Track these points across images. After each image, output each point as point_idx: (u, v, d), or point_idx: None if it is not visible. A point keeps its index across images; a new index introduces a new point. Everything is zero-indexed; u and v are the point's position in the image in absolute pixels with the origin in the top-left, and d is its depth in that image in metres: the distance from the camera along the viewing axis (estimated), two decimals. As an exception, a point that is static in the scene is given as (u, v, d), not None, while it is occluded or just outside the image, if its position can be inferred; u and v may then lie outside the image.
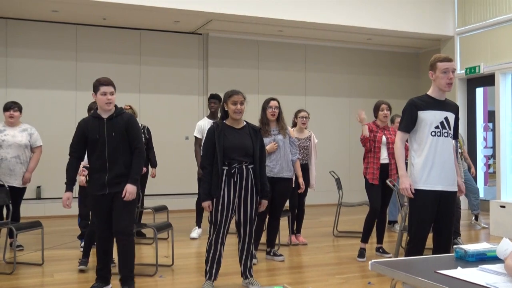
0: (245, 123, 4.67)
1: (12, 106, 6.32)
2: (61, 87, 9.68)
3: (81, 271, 5.33)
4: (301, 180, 6.18)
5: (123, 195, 4.29)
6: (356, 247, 6.11)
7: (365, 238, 5.96)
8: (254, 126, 4.71)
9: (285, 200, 5.97)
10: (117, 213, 4.35)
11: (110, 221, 4.39)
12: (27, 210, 8.30)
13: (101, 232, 4.46)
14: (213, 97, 7.46)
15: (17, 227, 5.59)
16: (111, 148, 4.34)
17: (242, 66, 10.95)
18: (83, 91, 9.50)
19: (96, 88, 4.38)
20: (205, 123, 7.30)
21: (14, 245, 5.70)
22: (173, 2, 8.81)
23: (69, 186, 4.39)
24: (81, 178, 5.67)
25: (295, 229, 6.92)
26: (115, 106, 4.46)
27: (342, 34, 10.86)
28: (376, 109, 6.07)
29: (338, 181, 7.61)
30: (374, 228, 6.06)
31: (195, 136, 7.28)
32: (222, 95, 4.81)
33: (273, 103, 5.80)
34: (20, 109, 6.43)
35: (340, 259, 6.04)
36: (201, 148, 7.13)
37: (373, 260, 2.60)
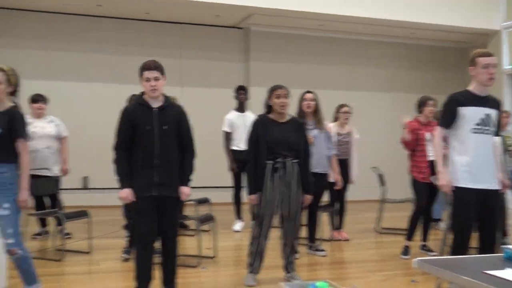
0: (289, 117, 4.65)
1: (40, 99, 6.49)
2: (107, 80, 9.88)
3: (126, 259, 5.44)
4: (337, 177, 6.12)
5: (182, 199, 3.95)
6: (399, 244, 6.04)
7: (409, 236, 5.87)
8: (299, 120, 4.69)
9: (320, 195, 5.91)
10: (169, 217, 3.93)
11: (155, 225, 3.90)
12: (74, 199, 8.51)
13: (144, 236, 3.87)
14: (241, 89, 7.47)
15: (65, 216, 5.74)
16: (161, 143, 3.80)
17: (283, 60, 10.93)
18: (127, 84, 9.66)
19: (141, 73, 3.86)
20: (234, 116, 7.33)
21: (62, 233, 5.86)
22: (215, -4, 8.87)
23: (126, 182, 3.82)
24: None
25: (337, 224, 6.88)
26: (164, 95, 3.94)
27: (384, 28, 10.72)
28: (422, 104, 5.90)
29: (381, 177, 7.52)
30: (419, 226, 5.97)
31: (223, 131, 7.31)
32: (262, 89, 4.81)
33: (308, 95, 5.77)
34: (46, 101, 6.59)
35: (383, 256, 5.98)
36: (229, 141, 7.29)
37: (418, 258, 2.56)
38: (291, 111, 5.40)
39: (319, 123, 5.72)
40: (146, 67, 3.83)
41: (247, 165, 4.59)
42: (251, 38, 10.76)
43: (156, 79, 3.81)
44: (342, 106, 6.82)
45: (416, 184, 5.80)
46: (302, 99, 5.77)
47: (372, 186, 8.66)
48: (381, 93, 11.64)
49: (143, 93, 3.91)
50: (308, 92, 5.82)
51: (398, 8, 9.83)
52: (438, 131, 4.21)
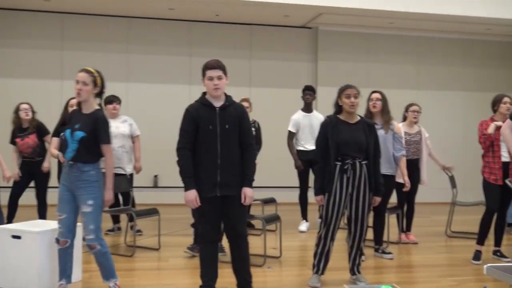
0: (359, 118, 4.60)
1: (114, 100, 6.72)
2: (177, 81, 10.16)
3: (192, 256, 5.58)
4: (406, 178, 5.97)
5: (242, 201, 3.85)
6: (471, 249, 5.84)
7: (480, 240, 5.66)
8: (369, 121, 4.63)
9: (386, 197, 5.79)
10: (233, 216, 3.90)
11: (218, 225, 3.98)
12: (145, 197, 8.84)
13: (209, 236, 3.92)
14: (308, 89, 7.42)
15: (136, 214, 5.97)
16: (223, 142, 3.79)
17: (352, 59, 10.82)
18: (197, 85, 9.91)
19: (203, 73, 3.89)
20: (300, 117, 7.31)
21: (134, 229, 6.09)
22: (288, -4, 8.91)
23: (191, 184, 3.78)
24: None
25: (405, 227, 6.74)
26: (225, 94, 3.93)
27: (458, 25, 10.37)
28: (497, 102, 5.61)
29: (452, 179, 7.29)
30: (492, 230, 5.75)
31: (288, 130, 7.31)
32: (330, 89, 4.78)
33: (374, 95, 5.71)
34: (120, 102, 6.82)
35: (453, 261, 5.80)
36: (293, 141, 7.29)
37: (489, 264, 2.48)
38: (361, 111, 5.37)
39: (386, 123, 5.63)
40: (209, 66, 3.85)
41: (316, 166, 4.59)
42: (319, 38, 10.72)
43: (219, 78, 3.82)
44: (410, 105, 6.69)
45: (488, 186, 5.58)
46: (368, 99, 5.71)
47: (443, 188, 8.43)
48: (452, 92, 11.26)
49: (205, 93, 3.94)
50: (375, 92, 5.75)
51: (472, 2, 9.48)
52: (508, 123, 3.99)
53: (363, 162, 4.47)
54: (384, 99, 5.70)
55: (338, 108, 4.60)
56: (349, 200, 4.49)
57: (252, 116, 7.29)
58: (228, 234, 3.96)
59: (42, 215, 6.44)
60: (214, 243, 3.97)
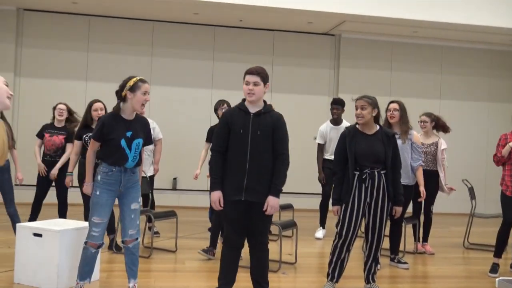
0: (378, 127, 4.61)
1: None
2: (199, 86, 10.27)
3: (209, 259, 5.64)
4: (422, 189, 5.92)
5: (264, 209, 3.80)
6: (488, 261, 5.79)
7: (497, 253, 5.62)
8: (387, 132, 4.62)
9: (404, 207, 5.76)
10: (257, 223, 3.88)
11: (244, 230, 3.91)
12: (163, 199, 8.92)
13: (232, 241, 3.91)
14: (336, 103, 7.35)
15: (155, 215, 6.05)
16: (253, 147, 3.79)
17: (374, 67, 10.80)
18: (219, 89, 10.03)
19: (243, 78, 3.90)
20: (328, 128, 7.30)
21: (152, 231, 6.17)
22: (308, 3, 8.95)
23: (218, 185, 3.82)
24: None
25: (422, 237, 6.71)
26: (264, 102, 3.92)
27: (482, 35, 10.29)
28: None
29: (471, 190, 7.24)
30: (510, 243, 5.70)
31: (317, 142, 7.33)
32: (352, 97, 4.78)
33: (391, 105, 5.72)
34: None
35: (470, 273, 5.76)
36: (322, 153, 7.29)
37: (501, 278, 2.47)
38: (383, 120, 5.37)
39: (404, 133, 5.63)
40: (248, 71, 3.89)
41: (334, 177, 4.61)
42: (342, 45, 10.73)
43: (255, 84, 3.82)
44: (421, 115, 6.69)
45: (504, 199, 5.54)
46: (386, 109, 5.73)
47: (463, 199, 8.36)
48: (475, 102, 11.17)
49: (244, 99, 3.95)
50: (393, 102, 5.75)
51: (496, 13, 9.41)
52: None
53: (382, 172, 4.48)
54: (402, 109, 5.70)
55: None
56: (367, 209, 4.50)
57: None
58: (249, 240, 3.96)
59: (63, 214, 6.51)
60: (238, 249, 3.96)
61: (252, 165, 3.78)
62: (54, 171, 6.43)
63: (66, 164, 6.38)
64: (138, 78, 4.09)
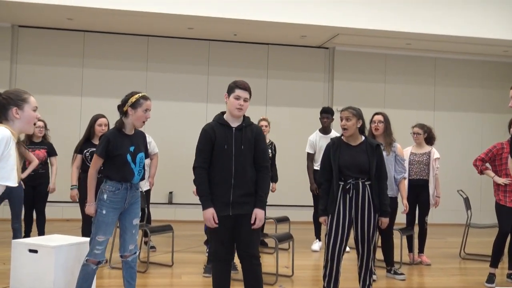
0: (363, 138, 4.63)
1: None
2: (194, 100, 10.31)
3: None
4: (405, 202, 5.91)
5: (252, 222, 3.80)
6: (485, 272, 5.79)
7: (494, 263, 5.62)
8: (372, 142, 4.64)
9: (391, 218, 5.74)
10: (246, 236, 3.85)
11: (231, 244, 3.90)
12: (159, 213, 8.90)
13: (221, 255, 3.89)
14: (325, 112, 7.39)
15: (151, 230, 6.04)
16: (238, 162, 3.79)
17: (368, 80, 10.87)
18: (214, 103, 10.06)
19: (231, 90, 3.87)
20: (317, 138, 7.33)
21: (148, 245, 6.16)
22: (302, 17, 9.02)
23: (209, 202, 3.77)
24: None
25: (418, 248, 6.71)
26: (244, 115, 3.93)
27: (475, 47, 10.38)
28: None
29: (466, 201, 7.27)
30: (506, 253, 5.71)
31: (307, 152, 7.35)
32: (337, 108, 4.80)
33: (376, 117, 5.74)
34: None
35: (467, 283, 5.76)
36: (312, 163, 7.28)
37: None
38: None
39: (388, 145, 5.65)
40: (240, 86, 3.87)
41: (320, 187, 4.64)
42: (336, 58, 10.80)
43: (245, 100, 3.84)
44: (413, 126, 6.72)
45: (499, 208, 5.57)
46: (371, 121, 5.75)
47: (458, 209, 8.38)
48: (469, 113, 11.24)
49: (223, 113, 3.96)
50: (377, 114, 5.78)
51: (488, 24, 9.50)
52: None
53: (367, 183, 4.49)
54: (386, 121, 5.73)
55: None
56: (354, 221, 4.50)
57: (268, 135, 7.37)
58: (240, 254, 3.92)
59: (41, 227, 6.57)
60: (227, 262, 3.93)
61: (237, 179, 3.78)
62: (53, 186, 6.61)
63: (45, 176, 6.72)
64: (140, 95, 4.14)
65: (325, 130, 7.35)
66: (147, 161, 6.79)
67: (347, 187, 4.45)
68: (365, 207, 4.46)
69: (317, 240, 7.43)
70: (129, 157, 4.04)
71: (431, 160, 6.57)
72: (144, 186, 6.73)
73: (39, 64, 9.85)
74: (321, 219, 4.54)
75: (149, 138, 6.87)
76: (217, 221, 3.76)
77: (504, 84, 11.34)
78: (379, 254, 5.91)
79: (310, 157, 7.36)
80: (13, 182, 2.73)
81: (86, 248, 4.16)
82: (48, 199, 6.87)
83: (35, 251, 4.38)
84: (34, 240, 4.65)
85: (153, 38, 10.27)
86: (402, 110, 10.49)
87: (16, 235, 5.84)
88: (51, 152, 6.80)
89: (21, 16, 9.36)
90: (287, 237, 5.80)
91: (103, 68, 10.02)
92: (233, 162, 3.79)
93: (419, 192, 6.46)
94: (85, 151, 5.82)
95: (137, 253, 4.20)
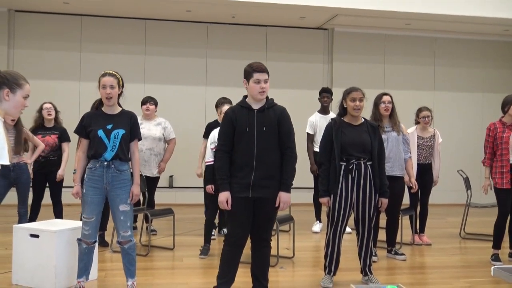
0: (363, 120, 4.64)
1: (148, 100, 6.78)
2: (193, 83, 10.26)
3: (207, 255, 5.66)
4: (413, 180, 5.94)
5: (277, 205, 3.80)
6: (484, 251, 5.83)
7: (496, 244, 5.65)
8: (372, 123, 4.66)
9: (399, 198, 5.77)
10: (263, 221, 3.84)
11: (247, 228, 3.84)
12: (160, 197, 8.86)
13: (236, 238, 3.81)
14: (325, 91, 7.40)
15: (151, 213, 6.06)
16: (260, 144, 3.74)
17: (368, 60, 10.81)
18: (213, 86, 10.02)
19: (249, 75, 3.82)
20: (317, 118, 7.31)
21: (149, 229, 6.18)
22: (300, -2, 8.95)
23: (227, 185, 3.76)
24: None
25: (419, 228, 6.73)
26: (267, 97, 3.89)
27: (475, 26, 10.31)
28: (508, 103, 5.56)
29: (466, 181, 7.27)
30: (507, 232, 5.73)
31: (307, 133, 7.32)
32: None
33: (385, 98, 5.66)
34: (155, 103, 6.85)
35: (467, 262, 5.79)
36: (312, 143, 7.27)
37: (496, 266, 2.49)
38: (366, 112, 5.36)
39: (395, 126, 5.63)
40: (257, 69, 3.82)
41: (321, 168, 4.62)
42: (335, 39, 10.74)
43: (265, 81, 3.82)
44: (421, 110, 6.64)
45: (498, 190, 5.57)
46: (380, 101, 5.67)
47: (458, 190, 8.40)
48: (469, 93, 11.20)
49: (246, 96, 3.93)
50: (385, 94, 5.72)
51: (488, 3, 9.41)
52: None
53: (368, 163, 4.49)
54: (393, 101, 5.70)
55: (343, 110, 4.65)
56: (355, 201, 4.51)
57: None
58: (252, 237, 3.90)
59: (58, 214, 6.48)
60: (240, 247, 3.87)
61: (259, 162, 3.74)
62: (62, 172, 6.37)
63: (57, 163, 6.39)
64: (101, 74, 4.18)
65: (324, 110, 7.33)
66: (159, 148, 6.74)
67: (350, 167, 4.44)
68: (366, 188, 4.48)
69: (318, 221, 7.45)
70: (100, 132, 4.04)
71: (436, 143, 6.57)
72: (154, 171, 6.71)
73: (36, 49, 9.79)
74: (323, 200, 4.54)
75: (165, 123, 6.86)
76: (230, 206, 3.74)
77: (505, 64, 11.32)
78: (382, 235, 5.93)
79: (310, 138, 7.34)
80: (5, 161, 2.72)
81: (87, 232, 4.18)
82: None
83: (37, 236, 4.39)
84: (36, 225, 4.66)
85: (150, 21, 10.19)
86: (402, 91, 10.44)
87: (21, 221, 5.80)
88: (63, 137, 6.46)
89: (17, 1, 9.28)
90: (288, 219, 5.81)
91: (101, 52, 9.95)
92: (254, 144, 3.76)
93: (422, 174, 6.47)
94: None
95: (133, 241, 4.15)
